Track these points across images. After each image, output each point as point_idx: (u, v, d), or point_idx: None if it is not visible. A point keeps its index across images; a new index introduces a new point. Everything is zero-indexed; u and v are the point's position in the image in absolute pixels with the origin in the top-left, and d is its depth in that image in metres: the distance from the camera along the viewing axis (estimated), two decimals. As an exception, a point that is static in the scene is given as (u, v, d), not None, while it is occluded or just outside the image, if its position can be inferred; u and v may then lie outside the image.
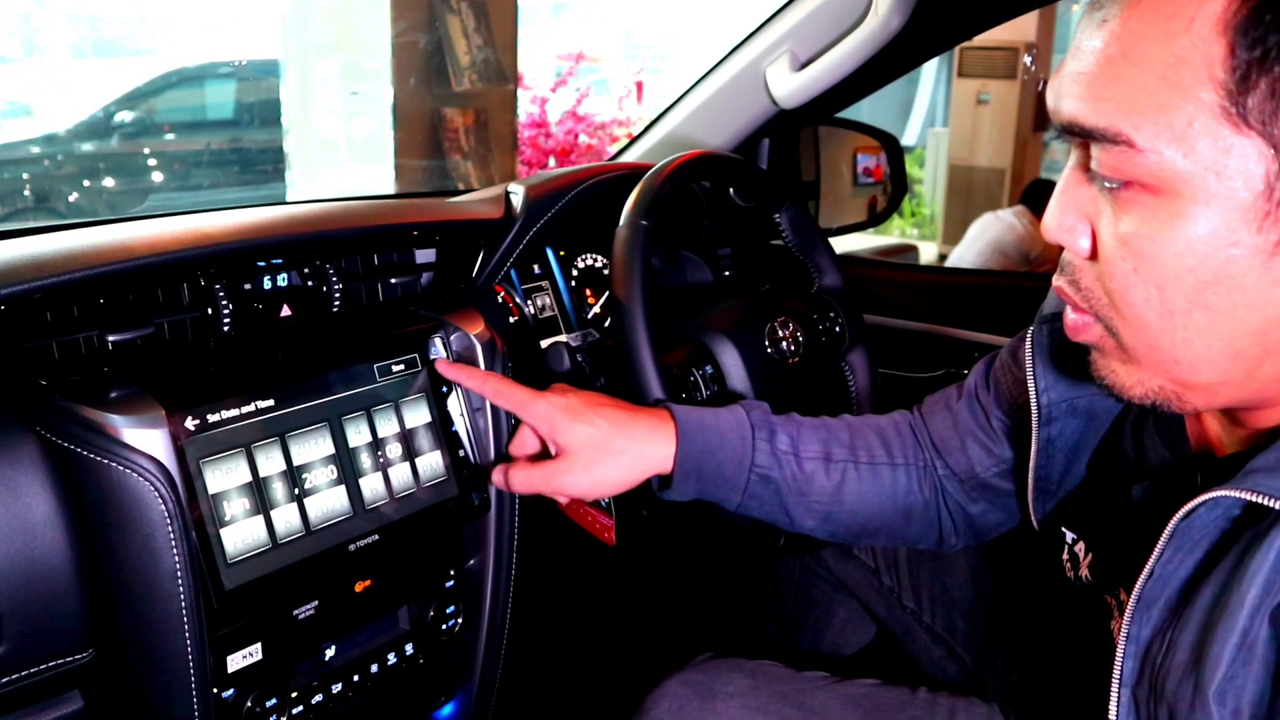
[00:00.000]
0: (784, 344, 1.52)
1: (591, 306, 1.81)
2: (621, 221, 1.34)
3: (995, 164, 7.83)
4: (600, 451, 1.10)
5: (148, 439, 0.98)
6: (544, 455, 1.19)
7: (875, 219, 2.29)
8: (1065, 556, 1.04)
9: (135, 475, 0.95)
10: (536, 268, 1.73)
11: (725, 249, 2.05)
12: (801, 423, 1.22)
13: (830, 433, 1.23)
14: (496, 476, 1.17)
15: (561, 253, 1.77)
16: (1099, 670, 0.85)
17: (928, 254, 7.55)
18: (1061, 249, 0.82)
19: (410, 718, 1.36)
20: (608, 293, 1.84)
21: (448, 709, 1.43)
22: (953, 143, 8.02)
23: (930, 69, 9.50)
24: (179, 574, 0.98)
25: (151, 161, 7.81)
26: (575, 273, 1.80)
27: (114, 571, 0.98)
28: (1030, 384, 1.01)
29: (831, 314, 1.63)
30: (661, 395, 1.27)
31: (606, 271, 1.85)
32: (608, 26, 11.70)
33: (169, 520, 0.96)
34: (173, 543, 0.97)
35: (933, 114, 9.64)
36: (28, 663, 0.94)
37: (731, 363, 1.44)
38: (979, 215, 5.12)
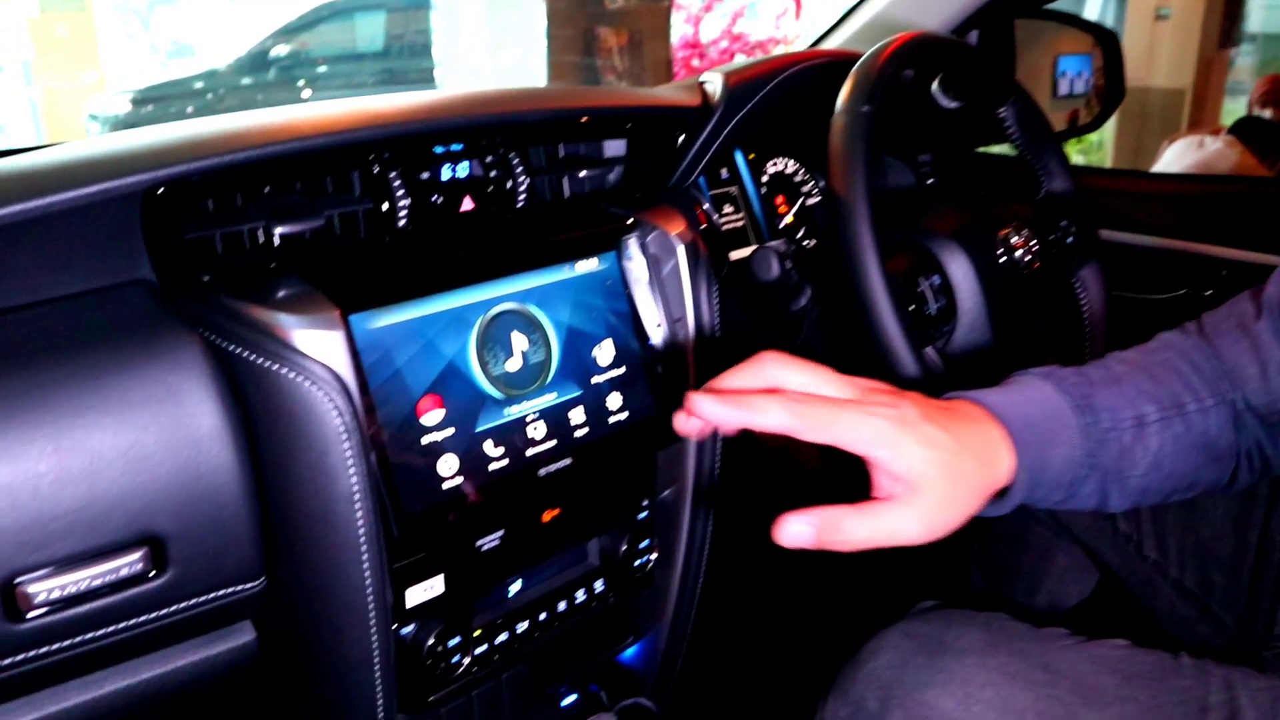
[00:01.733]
0: (1018, 253, 1.32)
1: (783, 216, 1.64)
2: (838, 108, 1.17)
3: (1173, 84, 7.28)
4: (954, 484, 0.79)
5: (321, 342, 0.86)
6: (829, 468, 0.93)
7: (1075, 132, 2.05)
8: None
9: (307, 383, 0.83)
10: (724, 172, 1.57)
11: (925, 155, 1.85)
12: (1105, 386, 0.96)
13: (1135, 389, 0.98)
14: (797, 529, 0.76)
15: (751, 156, 1.61)
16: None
17: (1095, 182, 7.09)
18: None
19: (593, 658, 1.23)
20: (801, 199, 1.66)
21: (633, 650, 1.31)
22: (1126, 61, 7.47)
23: (1100, -19, 8.90)
24: (357, 497, 0.86)
25: (305, 93, 7.94)
26: (765, 178, 1.63)
27: (286, 492, 0.86)
28: None
29: (1063, 223, 1.42)
30: (889, 306, 1.09)
31: (799, 177, 1.68)
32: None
33: (345, 436, 0.84)
34: (349, 461, 0.85)
35: (1103, 31, 9.03)
36: (196, 590, 0.84)
37: (962, 272, 1.25)
38: (1154, 141, 4.70)
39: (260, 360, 0.83)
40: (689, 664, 1.32)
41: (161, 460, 0.79)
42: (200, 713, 0.99)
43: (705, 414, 0.79)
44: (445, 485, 0.94)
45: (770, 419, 0.77)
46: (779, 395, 0.79)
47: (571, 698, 1.29)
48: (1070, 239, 1.42)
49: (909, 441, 0.77)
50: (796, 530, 0.77)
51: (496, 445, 0.98)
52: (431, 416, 0.93)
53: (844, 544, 0.76)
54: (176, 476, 0.80)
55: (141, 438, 0.79)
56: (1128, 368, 0.98)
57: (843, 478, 1.23)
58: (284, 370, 0.83)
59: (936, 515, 0.78)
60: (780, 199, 1.64)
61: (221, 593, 0.86)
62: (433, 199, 1.00)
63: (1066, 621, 1.16)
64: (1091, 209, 1.50)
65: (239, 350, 0.84)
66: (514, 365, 1.00)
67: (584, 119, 1.12)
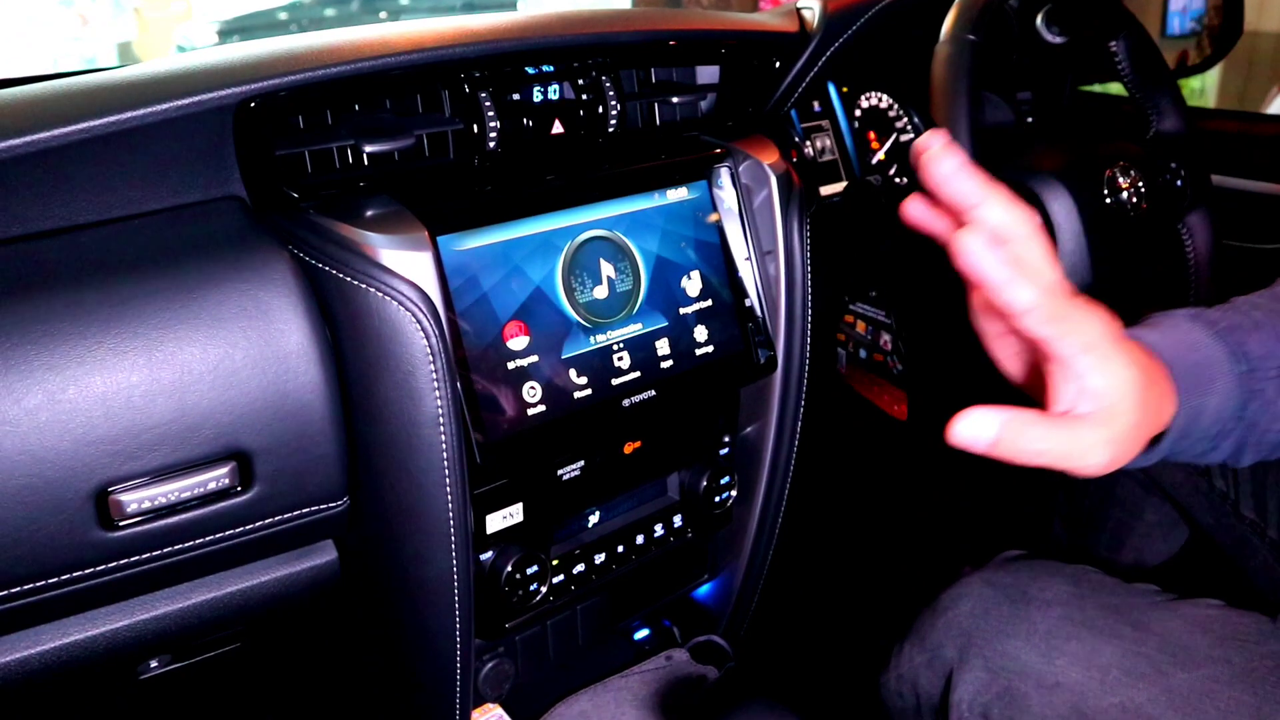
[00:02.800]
0: (1124, 194, 1.26)
1: (875, 152, 1.59)
2: (943, 37, 1.12)
3: (1285, 28, 6.94)
4: (1141, 411, 0.70)
5: (409, 262, 0.85)
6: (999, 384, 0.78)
7: (1183, 74, 1.95)
8: None
9: (395, 303, 0.82)
10: (817, 105, 1.52)
11: (1024, 93, 1.77)
12: (1251, 331, 0.85)
13: (1275, 335, 0.87)
14: (978, 426, 0.64)
15: (845, 89, 1.55)
16: None
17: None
18: None
19: (668, 594, 1.22)
20: (894, 135, 1.61)
21: (707, 587, 1.30)
22: (1235, 2, 7.12)
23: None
24: (441, 420, 0.85)
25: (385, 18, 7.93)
26: (859, 112, 1.58)
27: (371, 413, 0.86)
28: None
29: (1173, 165, 1.35)
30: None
31: (893, 113, 1.62)
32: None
33: (431, 358, 0.83)
34: (435, 384, 0.84)
35: (1212, -28, 8.61)
36: (281, 508, 0.84)
37: (1064, 212, 1.20)
38: (1261, 90, 4.47)
39: (348, 278, 0.83)
40: (763, 603, 1.31)
41: (249, 376, 0.79)
42: (284, 630, 1.00)
43: (973, 254, 0.64)
44: (529, 412, 0.93)
45: (1022, 296, 0.64)
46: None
47: (644, 632, 1.29)
48: (1180, 182, 1.35)
49: (1116, 355, 0.68)
50: (976, 427, 0.65)
51: (580, 374, 0.96)
52: (517, 342, 0.92)
53: (1022, 454, 0.66)
54: (264, 393, 0.80)
55: (230, 353, 0.79)
56: (1264, 314, 0.86)
57: (927, 427, 1.20)
58: (372, 289, 0.82)
59: (1121, 446, 0.69)
60: (872, 135, 1.59)
61: (305, 511, 0.86)
62: (523, 121, 0.98)
63: (1153, 579, 1.12)
64: (1203, 151, 1.43)
65: (328, 268, 0.83)
66: (601, 293, 0.98)
67: (678, 42, 1.09)
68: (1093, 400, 0.68)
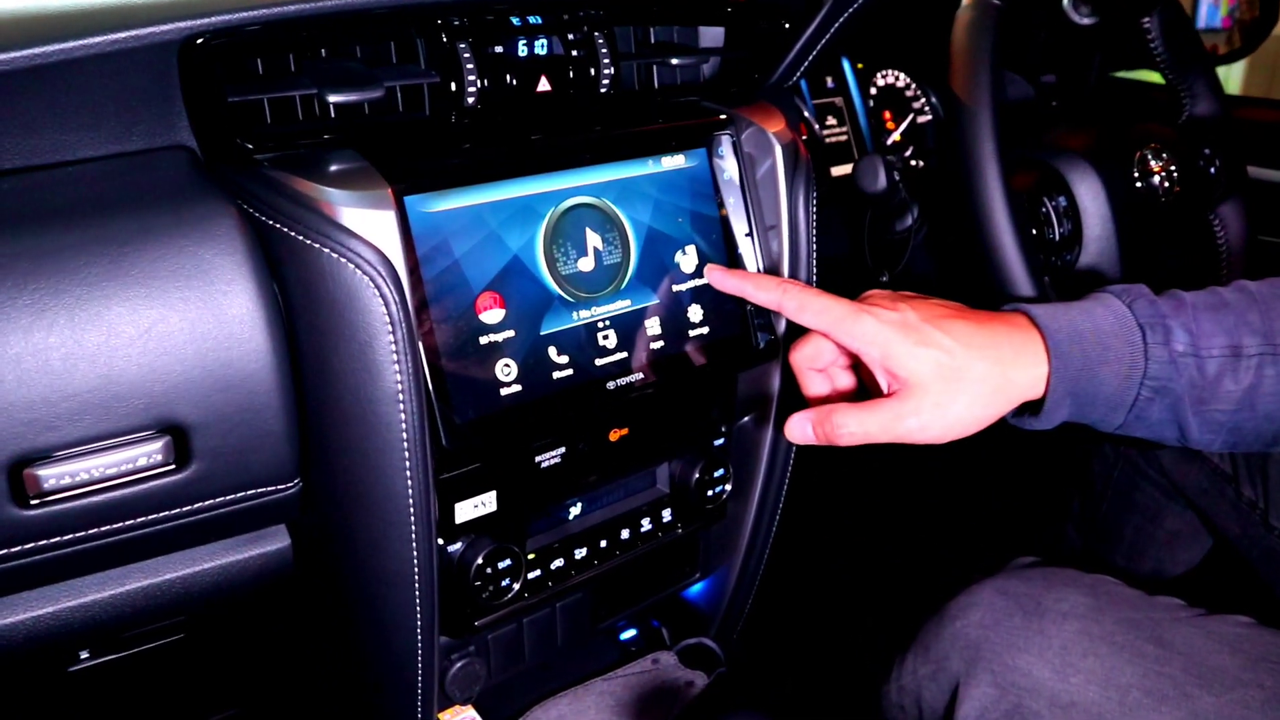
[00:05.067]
0: (1155, 179, 1.18)
1: (890, 133, 1.51)
2: (965, 1, 1.04)
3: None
4: (954, 383, 0.81)
5: (369, 222, 0.77)
6: (845, 392, 0.92)
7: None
8: None
9: (351, 266, 0.74)
10: (830, 81, 1.44)
11: (1048, 76, 1.69)
12: (1196, 306, 0.87)
13: (1236, 316, 0.88)
14: (798, 426, 0.85)
15: (860, 65, 1.47)
16: None
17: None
18: None
19: (655, 593, 1.14)
20: (911, 116, 1.53)
21: (698, 587, 1.22)
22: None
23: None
24: (401, 397, 0.77)
25: None
26: (874, 90, 1.50)
27: (325, 387, 0.78)
28: None
29: (1206, 150, 1.27)
30: (1009, 224, 0.97)
31: (910, 92, 1.54)
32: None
33: (391, 328, 0.75)
34: (395, 357, 0.76)
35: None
36: (223, 489, 0.77)
37: (1091, 195, 1.12)
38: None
39: (301, 237, 0.75)
40: (758, 605, 1.23)
41: (187, 342, 0.72)
42: (232, 621, 0.93)
43: (709, 275, 0.96)
44: (502, 392, 0.85)
45: (764, 294, 0.90)
46: (782, 280, 0.89)
47: (631, 632, 1.21)
48: (1213, 169, 1.27)
49: (902, 341, 0.80)
50: (798, 426, 0.85)
51: (561, 353, 0.88)
52: (491, 315, 0.84)
53: (845, 438, 0.83)
54: (203, 361, 0.72)
55: (166, 315, 0.71)
56: (1241, 296, 0.88)
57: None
58: (327, 250, 0.74)
59: (934, 414, 0.81)
60: (888, 114, 1.51)
61: (251, 493, 0.78)
62: (506, 77, 0.90)
63: (1174, 591, 1.05)
64: (1239, 139, 1.35)
65: (280, 225, 0.76)
66: (586, 265, 0.90)
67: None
68: (895, 381, 0.82)
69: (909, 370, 0.81)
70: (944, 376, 0.81)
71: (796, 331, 0.89)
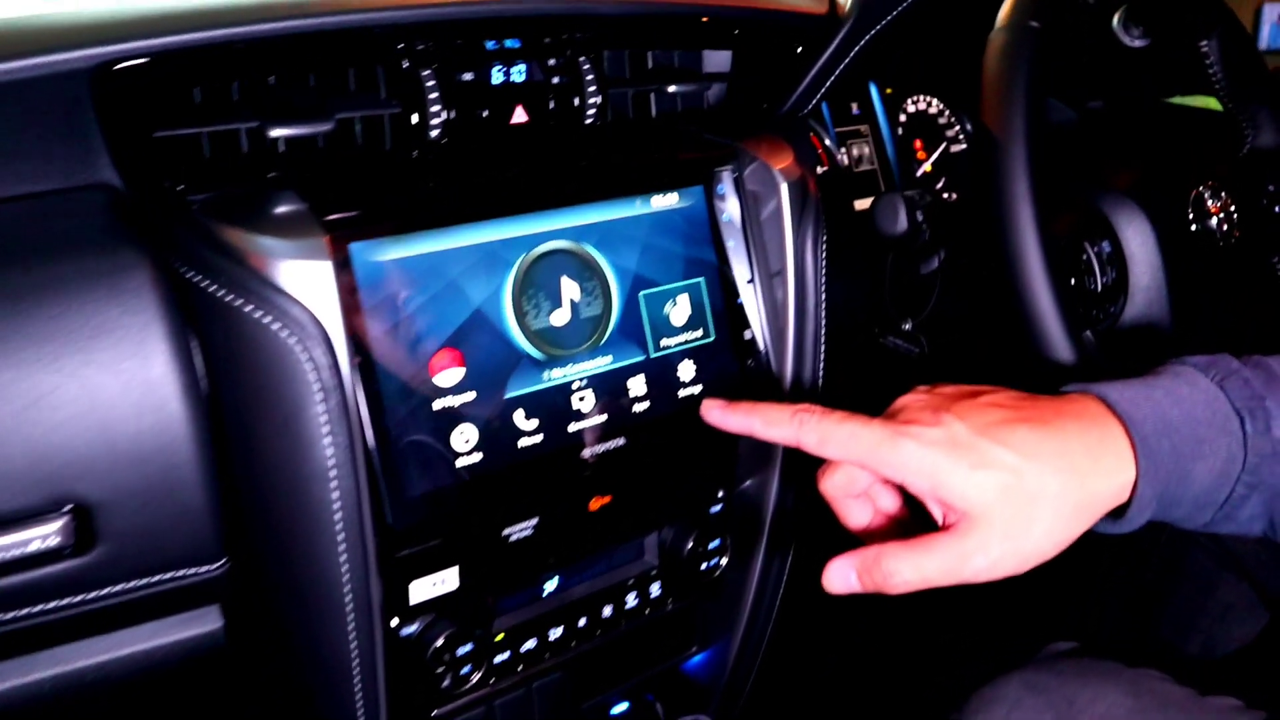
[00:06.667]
0: (1214, 220, 1.06)
1: (921, 164, 1.40)
2: (999, 23, 0.94)
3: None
4: (1026, 509, 0.66)
5: (301, 274, 0.68)
6: (916, 521, 0.75)
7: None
8: None
9: (274, 327, 0.65)
10: (855, 107, 1.33)
11: (1095, 103, 1.57)
12: None
13: None
14: (839, 575, 0.69)
15: (889, 90, 1.37)
16: None
17: None
18: None
19: (646, 669, 1.04)
20: (944, 145, 1.42)
21: (698, 658, 1.12)
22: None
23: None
24: (333, 474, 0.68)
25: None
26: (903, 118, 1.39)
27: (251, 460, 0.69)
28: None
29: (1270, 187, 1.15)
30: (1044, 273, 0.87)
31: (943, 119, 1.43)
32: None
33: (321, 397, 0.66)
34: (326, 429, 0.67)
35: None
36: (134, 571, 0.68)
37: (1139, 240, 1.01)
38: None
39: (222, 293, 0.66)
40: (762, 679, 1.13)
41: (88, 411, 0.63)
42: (159, 705, 0.84)
43: (707, 415, 0.75)
44: (461, 462, 0.76)
45: (777, 431, 0.71)
46: (797, 409, 0.71)
47: (622, 706, 1.11)
48: (1279, 208, 1.15)
49: (955, 467, 0.65)
50: (839, 575, 0.69)
51: (530, 417, 0.79)
52: (448, 376, 0.75)
53: (899, 586, 0.67)
54: (109, 433, 0.64)
55: (64, 382, 0.62)
56: None
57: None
58: (248, 309, 0.65)
59: (1005, 546, 0.66)
60: (919, 143, 1.40)
61: (169, 575, 0.70)
62: (476, 107, 0.81)
63: (1225, 670, 0.94)
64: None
65: (198, 279, 0.67)
66: (560, 319, 0.80)
67: (679, 19, 0.91)
68: (952, 512, 0.66)
69: (969, 502, 0.66)
70: (1012, 502, 0.66)
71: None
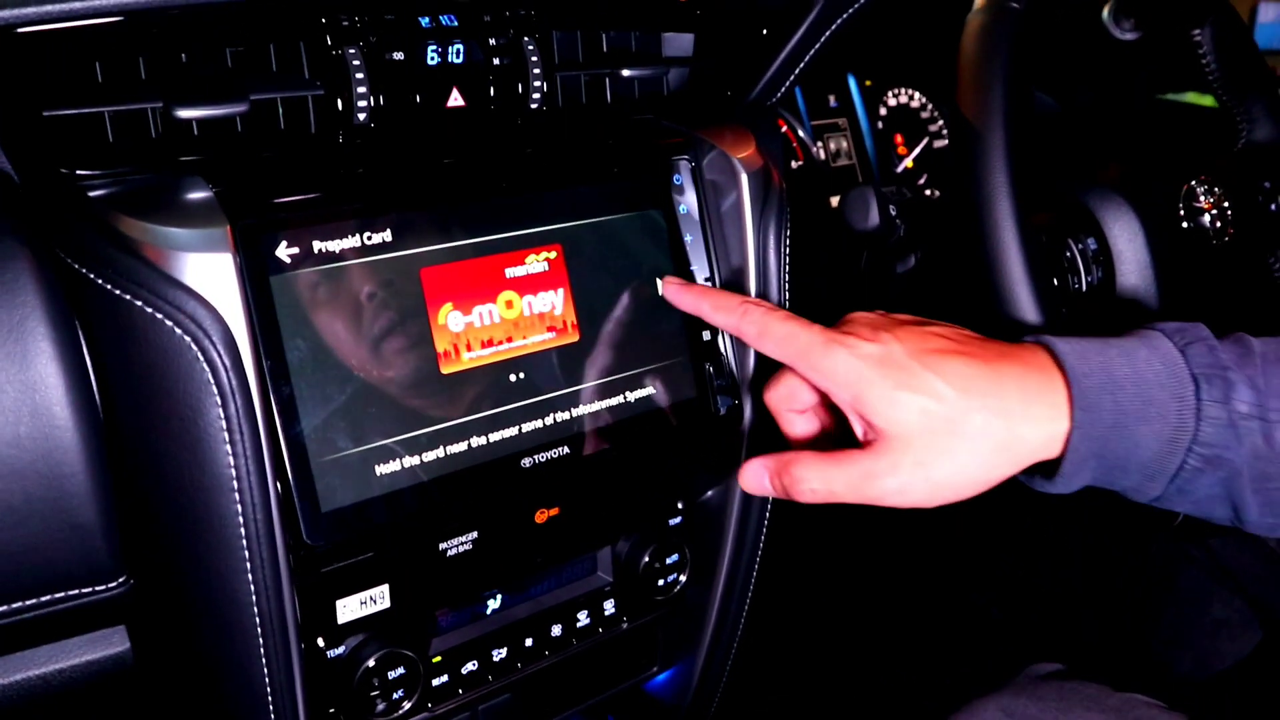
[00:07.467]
0: (1207, 216, 1.00)
1: (901, 158, 1.35)
2: (977, 4, 0.89)
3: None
4: (944, 439, 0.65)
5: (201, 267, 0.62)
6: (837, 435, 0.75)
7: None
8: None
9: (169, 324, 0.59)
10: (833, 99, 1.28)
11: (1084, 97, 1.52)
12: (1267, 358, 0.69)
13: None
14: (754, 475, 0.72)
15: (868, 83, 1.32)
16: None
17: None
18: None
19: (606, 687, 0.99)
20: (926, 140, 1.36)
21: (661, 676, 1.06)
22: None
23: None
24: (236, 485, 0.62)
25: None
26: (884, 111, 1.34)
27: (146, 472, 0.63)
28: None
29: (1266, 184, 1.09)
30: (1024, 272, 0.81)
31: (925, 113, 1.38)
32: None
33: (220, 400, 0.61)
34: (227, 436, 0.61)
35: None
36: (19, 592, 0.62)
37: (1127, 237, 0.95)
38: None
39: (111, 287, 0.60)
40: (729, 696, 1.07)
41: (-40, 416, 0.57)
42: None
43: (666, 291, 0.80)
44: (386, 471, 0.70)
45: (722, 316, 0.76)
46: (745, 299, 0.75)
47: (581, 727, 1.05)
48: (1274, 205, 1.09)
49: (879, 382, 0.66)
50: (754, 475, 0.72)
51: (467, 424, 0.73)
52: (370, 378, 0.69)
53: (805, 494, 0.69)
54: (-15, 439, 0.58)
55: (-68, 384, 0.57)
56: None
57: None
58: (139, 303, 0.60)
59: (916, 473, 0.66)
60: (899, 138, 1.35)
61: (61, 595, 0.64)
62: (408, 90, 0.75)
63: (1219, 688, 0.88)
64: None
65: (87, 272, 0.61)
66: (494, 317, 0.75)
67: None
68: (872, 430, 0.67)
69: (886, 419, 0.66)
70: (931, 429, 0.65)
71: (773, 365, 0.74)
